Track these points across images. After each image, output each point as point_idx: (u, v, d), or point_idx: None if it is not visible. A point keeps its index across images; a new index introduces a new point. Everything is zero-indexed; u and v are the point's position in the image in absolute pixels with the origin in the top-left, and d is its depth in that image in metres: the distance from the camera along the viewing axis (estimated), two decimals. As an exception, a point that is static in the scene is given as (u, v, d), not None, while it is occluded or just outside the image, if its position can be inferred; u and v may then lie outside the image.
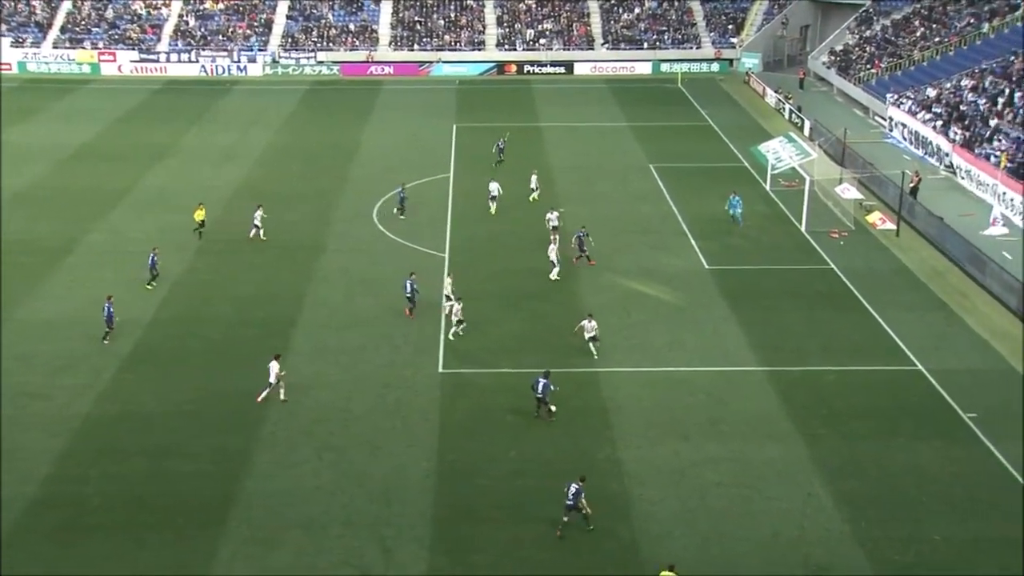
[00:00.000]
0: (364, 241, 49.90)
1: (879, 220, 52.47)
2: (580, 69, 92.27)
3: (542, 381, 33.29)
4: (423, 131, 71.68)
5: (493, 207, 53.45)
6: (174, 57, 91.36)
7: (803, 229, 51.15)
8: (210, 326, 40.53)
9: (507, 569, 26.83)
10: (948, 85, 67.74)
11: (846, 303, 42.94)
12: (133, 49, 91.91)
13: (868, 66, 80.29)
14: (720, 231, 51.11)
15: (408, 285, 41.26)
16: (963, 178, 58.29)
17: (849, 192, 55.54)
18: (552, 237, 46.99)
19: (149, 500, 29.50)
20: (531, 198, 55.11)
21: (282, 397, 34.73)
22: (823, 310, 42.19)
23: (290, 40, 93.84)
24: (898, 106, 69.22)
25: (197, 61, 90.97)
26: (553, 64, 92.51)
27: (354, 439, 32.57)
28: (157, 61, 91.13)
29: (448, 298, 41.09)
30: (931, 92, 68.04)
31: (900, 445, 32.17)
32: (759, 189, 58.00)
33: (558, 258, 44.94)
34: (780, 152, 58.24)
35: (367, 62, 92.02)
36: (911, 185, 54.69)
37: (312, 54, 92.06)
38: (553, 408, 33.69)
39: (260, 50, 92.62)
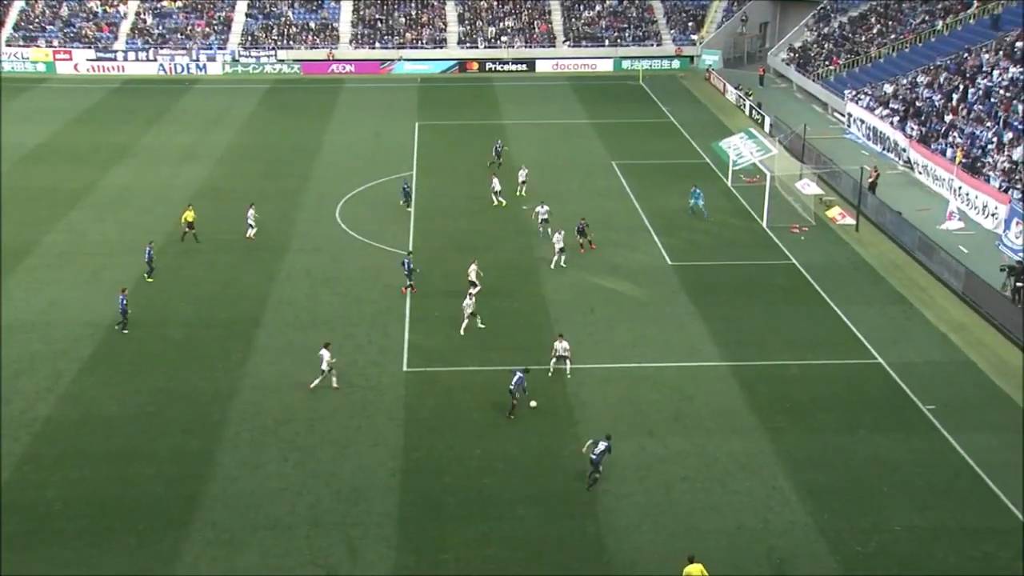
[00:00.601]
0: (327, 240, 49.71)
1: (839, 215, 52.98)
2: (542, 66, 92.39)
3: (518, 373, 33.44)
4: (385, 129, 71.48)
5: (496, 200, 54.08)
6: (132, 56, 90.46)
7: (764, 224, 51.56)
8: (172, 327, 40.22)
9: (474, 567, 26.87)
10: (904, 81, 68.50)
11: (807, 297, 43.34)
12: (89, 47, 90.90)
13: (826, 63, 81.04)
14: (682, 227, 51.40)
15: (406, 263, 42.66)
16: (920, 173, 58.98)
17: (809, 187, 56.01)
18: (543, 230, 48.22)
19: (111, 504, 29.23)
20: (519, 192, 55.37)
21: (334, 384, 35.18)
22: (785, 304, 42.56)
23: (250, 38, 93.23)
24: (856, 102, 69.90)
25: (155, 60, 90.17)
26: (515, 62, 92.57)
27: (320, 439, 32.45)
28: (114, 60, 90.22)
29: (473, 284, 41.76)
30: (888, 88, 68.78)
31: (861, 437, 32.54)
32: (720, 185, 58.38)
33: (562, 247, 45.61)
34: (741, 148, 58.67)
35: (328, 60, 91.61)
36: (870, 180, 55.27)
37: (272, 52, 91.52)
38: (533, 404, 34.05)
39: (219, 49, 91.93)
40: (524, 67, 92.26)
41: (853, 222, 51.74)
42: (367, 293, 43.44)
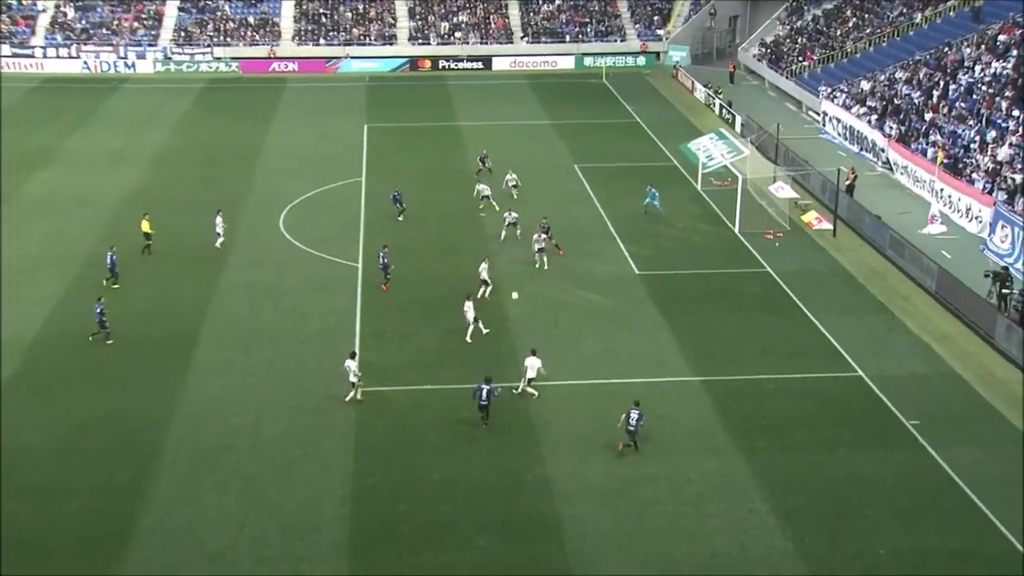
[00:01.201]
0: (270, 251, 49.42)
1: (815, 220, 53.46)
2: (499, 64, 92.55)
3: (485, 387, 33.38)
4: (332, 132, 71.25)
5: (483, 205, 54.15)
6: (52, 52, 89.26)
7: (736, 230, 51.93)
8: (100, 346, 39.74)
9: (432, 600, 26.75)
10: (882, 77, 69.30)
11: (783, 307, 43.67)
12: (3, 42, 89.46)
13: (800, 58, 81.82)
14: (649, 234, 51.65)
15: (381, 257, 44.21)
16: (900, 175, 59.68)
17: (783, 191, 56.50)
18: (507, 233, 49.18)
19: (35, 544, 28.66)
20: (513, 196, 55.58)
21: (358, 397, 35.30)
22: (759, 315, 42.86)
23: (183, 34, 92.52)
24: (831, 100, 70.62)
25: (79, 57, 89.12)
26: (470, 59, 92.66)
27: (264, 466, 32.18)
28: (32, 56, 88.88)
29: (485, 283, 43.16)
30: (865, 85, 69.56)
31: (842, 455, 32.79)
32: (689, 189, 58.74)
33: (542, 248, 46.75)
34: (711, 150, 59.03)
35: (269, 58, 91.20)
36: (847, 183, 55.82)
37: (208, 49, 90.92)
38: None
39: (150, 45, 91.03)
40: (480, 65, 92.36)
41: (830, 227, 52.23)
42: (314, 308, 43.22)
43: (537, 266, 46.70)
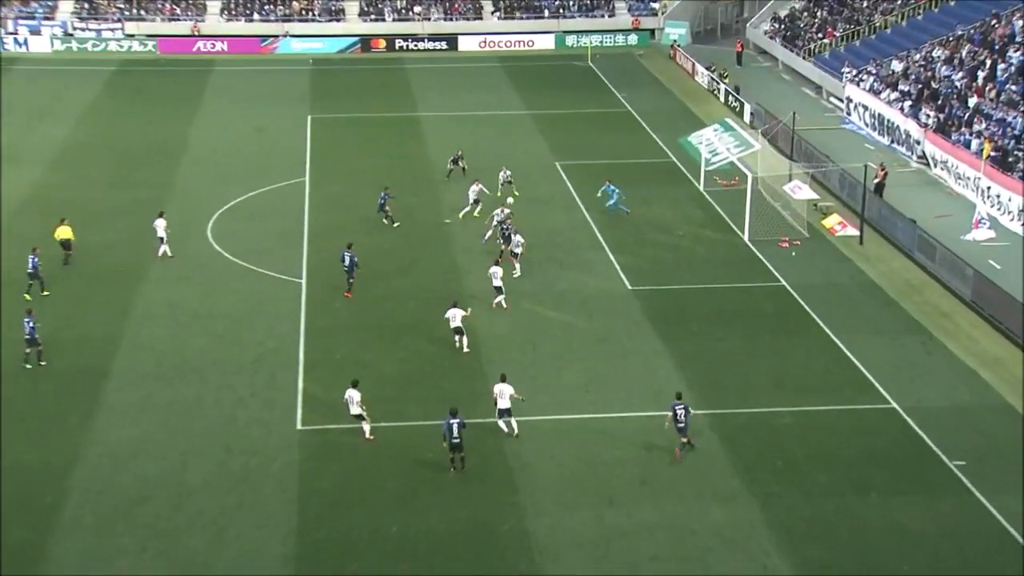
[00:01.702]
0: (197, 266, 49.25)
1: (838, 225, 53.72)
2: (466, 44, 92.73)
3: (455, 421, 33.37)
4: (269, 124, 71.20)
5: (476, 210, 54.43)
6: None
7: (746, 238, 52.13)
8: (-6, 381, 39.51)
9: (391, 678, 26.59)
10: (917, 57, 69.80)
11: (802, 328, 43.81)
12: None
13: (819, 35, 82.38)
14: (645, 243, 51.79)
15: (347, 258, 45.21)
16: (939, 171, 60.01)
17: (801, 191, 56.64)
18: (492, 234, 50.00)
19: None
20: (514, 194, 56.11)
21: (367, 435, 35.62)
22: (774, 337, 42.97)
23: (87, 6, 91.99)
24: (857, 84, 71.06)
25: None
26: (432, 38, 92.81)
27: (190, 520, 31.96)
28: None
29: (499, 290, 44.82)
30: (897, 66, 70.03)
31: (874, 501, 32.85)
32: (690, 189, 58.91)
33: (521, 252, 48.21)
34: (715, 143, 59.23)
35: (192, 36, 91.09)
36: (876, 181, 56.12)
37: (118, 25, 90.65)
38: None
39: (46, 19, 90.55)
40: (444, 45, 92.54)
41: (856, 233, 52.49)
42: (249, 332, 43.09)
43: (515, 274, 47.05)
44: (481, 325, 43.34)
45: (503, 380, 36.05)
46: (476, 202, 54.60)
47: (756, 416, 37.38)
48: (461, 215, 54.24)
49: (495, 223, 50.50)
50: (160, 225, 50.02)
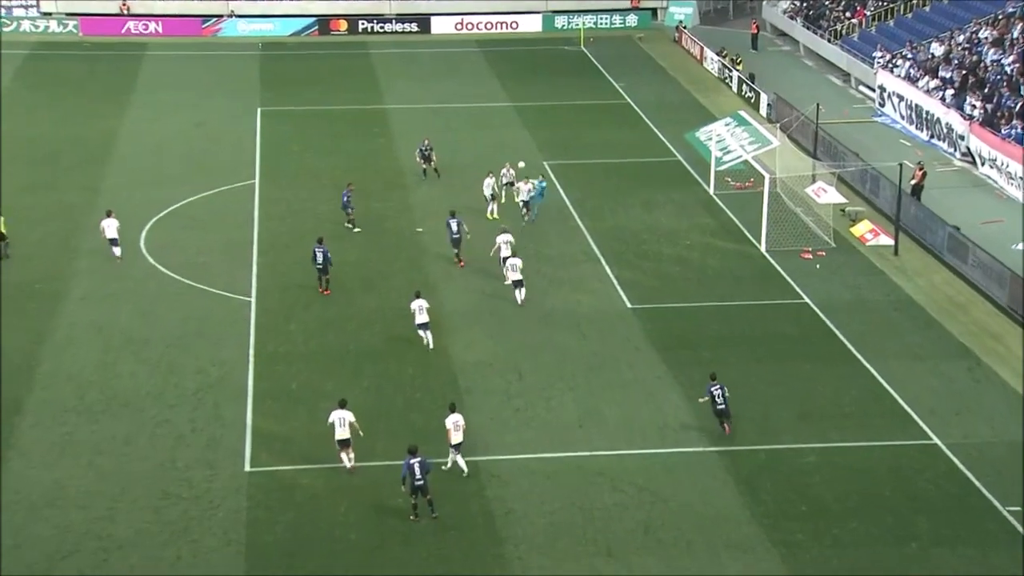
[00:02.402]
0: (128, 281, 49.09)
1: (869, 233, 53.78)
2: (440, 26, 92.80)
3: (415, 461, 33.27)
4: (213, 119, 71.18)
5: (495, 208, 55.38)
6: None
7: (763, 248, 52.20)
8: None
9: None
10: (961, 38, 69.99)
11: (828, 352, 43.82)
12: None
13: (847, 14, 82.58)
14: (646, 254, 51.81)
15: (319, 255, 46.90)
16: (986, 169, 60.14)
17: (826, 194, 56.82)
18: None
19: None
20: (516, 198, 56.26)
21: (348, 466, 35.82)
22: (796, 363, 42.96)
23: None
24: (891, 70, 71.22)
25: None
26: (401, 19, 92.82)
27: (119, 577, 31.86)
28: None
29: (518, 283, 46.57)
30: (937, 49, 70.21)
31: (915, 553, 32.82)
32: (699, 193, 58.97)
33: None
34: (727, 140, 59.31)
35: (121, 15, 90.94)
36: (913, 182, 56.22)
37: (32, 1, 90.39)
38: (463, 470, 35.24)
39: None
40: (415, 27, 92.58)
41: (891, 242, 52.58)
42: (190, 359, 42.94)
43: (520, 303, 46.96)
44: (457, 350, 43.27)
45: (453, 411, 36.08)
46: (493, 197, 55.13)
47: (777, 454, 37.34)
48: (491, 215, 55.15)
49: (500, 244, 49.50)
50: (111, 226, 50.05)
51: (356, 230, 53.61)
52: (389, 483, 34.95)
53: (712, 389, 37.56)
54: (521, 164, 56.73)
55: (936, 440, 38.07)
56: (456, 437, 35.64)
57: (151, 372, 42.19)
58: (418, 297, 43.11)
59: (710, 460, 36.76)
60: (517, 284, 47.03)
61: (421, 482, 33.42)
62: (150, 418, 39.21)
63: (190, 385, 41.29)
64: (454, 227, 50.04)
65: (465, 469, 35.83)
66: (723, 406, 37.54)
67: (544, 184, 55.97)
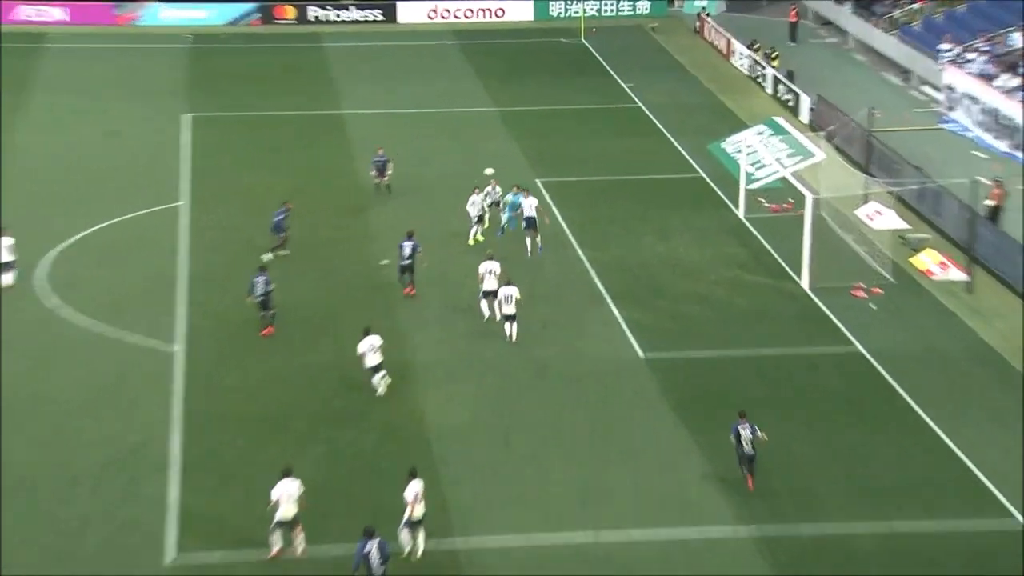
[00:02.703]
0: (24, 327, 48.95)
1: (937, 265, 53.84)
2: (408, 13, 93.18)
3: (374, 543, 33.11)
4: (129, 127, 71.36)
5: (478, 231, 56.15)
6: None
7: (805, 285, 52.24)
8: None
9: None
10: (1045, 29, 70.33)
11: (887, 412, 43.78)
12: None
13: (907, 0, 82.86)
14: (662, 292, 51.89)
15: (256, 286, 47.77)
16: (1076, 189, 60.35)
17: (882, 218, 56.85)
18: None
19: None
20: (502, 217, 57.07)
21: (299, 550, 35.72)
22: (846, 426, 42.88)
23: None
24: (961, 66, 71.43)
25: None
26: (361, 6, 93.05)
27: None
28: None
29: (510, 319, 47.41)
30: (1018, 40, 70.42)
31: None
32: (726, 217, 59.09)
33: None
34: (760, 152, 59.25)
35: (16, 0, 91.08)
36: (990, 204, 56.27)
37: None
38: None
39: None
40: (378, 15, 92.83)
41: (963, 276, 52.61)
42: (102, 423, 42.76)
43: (511, 340, 47.55)
44: (431, 410, 43.13)
45: (413, 477, 35.88)
46: (480, 219, 55.64)
47: (826, 537, 37.17)
48: (471, 241, 55.61)
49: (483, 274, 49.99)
50: (4, 244, 50.20)
51: (283, 252, 53.85)
52: (346, 572, 34.78)
53: (739, 427, 37.98)
54: (489, 171, 56.67)
55: (1022, 520, 37.96)
56: (417, 509, 35.34)
57: (51, 440, 41.83)
58: (368, 334, 43.18)
59: (742, 545, 36.61)
60: (508, 319, 47.35)
61: (382, 571, 33.14)
62: (48, 497, 38.73)
63: (99, 455, 40.90)
64: (407, 250, 50.51)
65: (421, 548, 35.45)
66: (751, 451, 37.88)
67: (519, 199, 56.07)
